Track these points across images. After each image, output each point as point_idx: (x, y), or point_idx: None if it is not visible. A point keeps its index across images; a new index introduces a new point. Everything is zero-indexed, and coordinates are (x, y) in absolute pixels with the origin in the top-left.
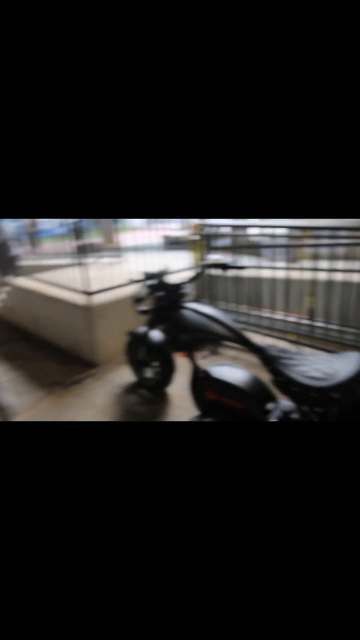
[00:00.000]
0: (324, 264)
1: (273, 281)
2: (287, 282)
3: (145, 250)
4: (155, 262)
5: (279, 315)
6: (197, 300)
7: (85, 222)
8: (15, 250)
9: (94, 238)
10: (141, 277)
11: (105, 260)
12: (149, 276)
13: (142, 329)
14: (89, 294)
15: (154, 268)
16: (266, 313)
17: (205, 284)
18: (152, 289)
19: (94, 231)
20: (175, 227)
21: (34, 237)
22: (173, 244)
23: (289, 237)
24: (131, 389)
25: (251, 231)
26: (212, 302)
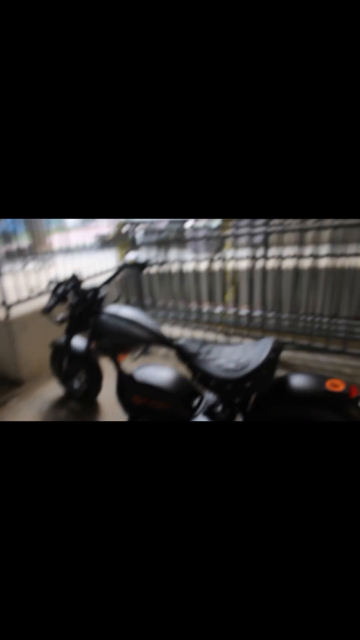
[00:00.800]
0: (244, 252)
1: (197, 274)
2: (211, 273)
3: (78, 251)
4: (86, 264)
5: (205, 307)
6: (118, 301)
7: (13, 225)
8: None
9: (22, 241)
10: (49, 285)
11: (32, 266)
12: (56, 284)
13: (63, 338)
14: (7, 306)
15: (85, 269)
16: (193, 306)
17: (131, 282)
18: (60, 297)
19: (22, 234)
20: (108, 226)
21: None
22: (105, 243)
23: (211, 228)
24: (60, 403)
25: (176, 225)
26: (139, 300)
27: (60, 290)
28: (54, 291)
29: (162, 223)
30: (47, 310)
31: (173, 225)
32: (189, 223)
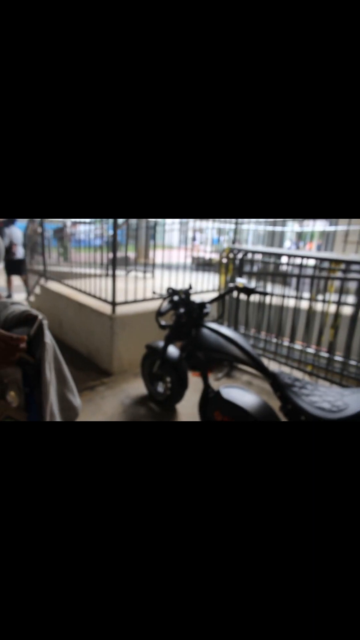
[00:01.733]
0: (350, 298)
1: (296, 310)
2: (310, 312)
3: (176, 268)
4: (184, 280)
5: (298, 345)
6: (218, 320)
7: (122, 237)
8: (20, 254)
9: (128, 252)
10: (165, 292)
11: (136, 274)
12: (172, 292)
13: (160, 343)
14: (114, 304)
15: (180, 286)
16: (286, 342)
17: (230, 306)
18: (174, 305)
19: (129, 245)
20: (208, 249)
21: (66, 246)
22: (204, 265)
23: (319, 268)
24: (141, 401)
25: (281, 259)
26: (233, 325)
27: (175, 299)
28: (170, 298)
29: (258, 255)
30: (162, 313)
31: (276, 259)
32: (296, 260)
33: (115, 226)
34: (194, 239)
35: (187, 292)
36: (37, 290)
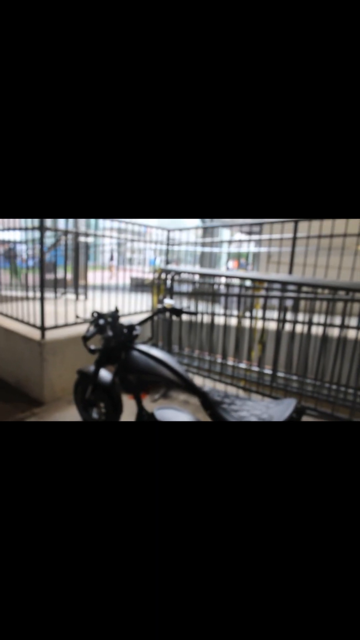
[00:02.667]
0: (274, 314)
1: (227, 328)
2: (239, 329)
3: (112, 289)
4: (118, 301)
5: (230, 362)
6: (149, 342)
7: (57, 257)
8: None
9: (63, 273)
10: (91, 316)
11: (69, 296)
12: (98, 316)
13: (91, 368)
14: (43, 328)
15: (111, 307)
16: (218, 359)
17: (163, 327)
18: (100, 328)
19: (64, 266)
20: (144, 270)
21: None
22: (139, 285)
23: (245, 287)
24: None
25: (211, 279)
26: (167, 345)
27: (101, 322)
28: (96, 322)
29: (196, 275)
30: (86, 339)
31: (207, 278)
32: (223, 280)
33: (42, 246)
34: (111, 258)
35: (114, 315)
36: None
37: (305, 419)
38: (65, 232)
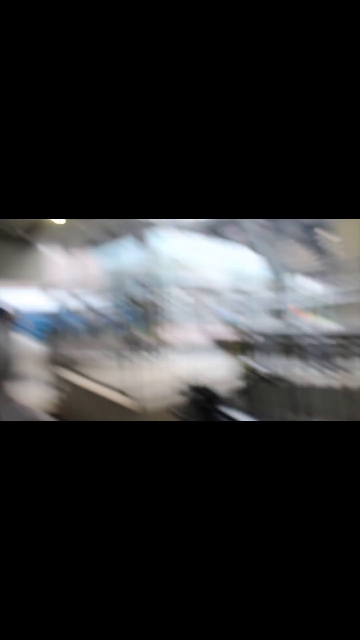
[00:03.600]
0: None
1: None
2: (330, 387)
3: (191, 350)
4: (200, 364)
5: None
6: (239, 407)
7: (130, 317)
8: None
9: (137, 334)
10: (184, 386)
11: (148, 358)
12: (192, 387)
13: None
14: (132, 396)
15: (194, 374)
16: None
17: (251, 389)
18: (192, 399)
19: (137, 327)
20: (221, 327)
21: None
22: (218, 344)
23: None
24: None
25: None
26: (256, 409)
27: (192, 393)
28: (191, 396)
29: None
30: (181, 411)
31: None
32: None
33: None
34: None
35: (204, 384)
36: (62, 383)
37: None
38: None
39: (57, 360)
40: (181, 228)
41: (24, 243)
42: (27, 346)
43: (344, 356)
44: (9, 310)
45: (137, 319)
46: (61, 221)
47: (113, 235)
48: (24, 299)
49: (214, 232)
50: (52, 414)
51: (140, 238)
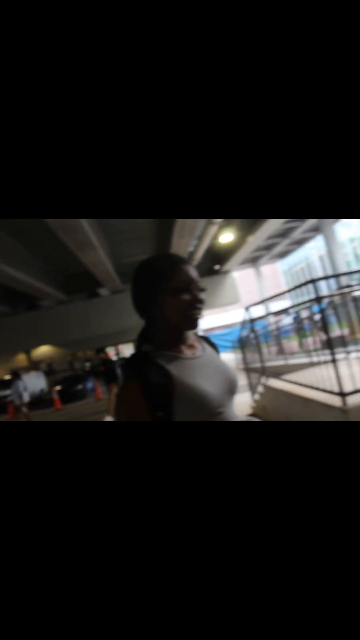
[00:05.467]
0: None
1: None
2: None
3: None
4: None
5: None
6: None
7: (328, 316)
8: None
9: (338, 330)
10: None
11: (355, 354)
12: None
13: None
14: (342, 394)
15: None
16: None
17: None
18: None
19: (337, 323)
20: None
21: (278, 338)
22: None
23: None
24: None
25: None
26: None
27: None
28: None
29: None
30: None
31: None
32: None
33: (322, 309)
34: None
35: None
36: (260, 389)
37: None
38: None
39: (254, 368)
40: None
41: (221, 275)
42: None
43: None
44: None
45: (333, 316)
46: (250, 246)
47: (298, 242)
48: (223, 319)
49: None
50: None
51: (327, 236)
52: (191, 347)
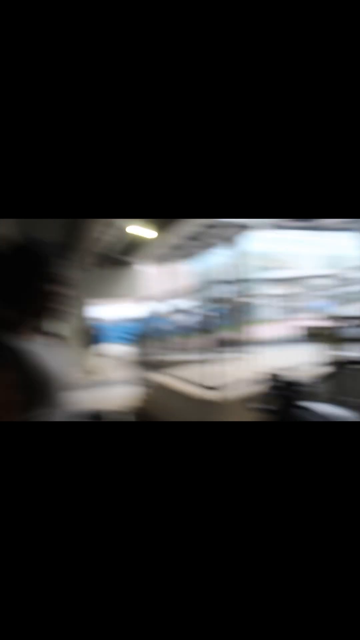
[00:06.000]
0: None
1: None
2: None
3: (278, 343)
4: (287, 356)
5: None
6: (326, 399)
7: (216, 318)
8: None
9: (224, 332)
10: (265, 376)
11: (234, 354)
12: (273, 377)
13: None
14: (211, 389)
15: (280, 365)
16: None
17: (341, 380)
18: (273, 389)
19: (224, 326)
20: (310, 318)
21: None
22: (308, 336)
23: None
24: None
25: None
26: (347, 400)
27: (273, 383)
28: (268, 382)
29: None
30: (257, 400)
31: None
32: None
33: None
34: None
35: (285, 373)
36: (147, 382)
37: None
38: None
39: (144, 362)
40: (273, 224)
41: (121, 264)
42: (115, 352)
43: None
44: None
45: (225, 319)
46: (153, 237)
47: (205, 245)
48: (118, 311)
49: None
50: (137, 413)
51: (229, 240)
52: (45, 334)
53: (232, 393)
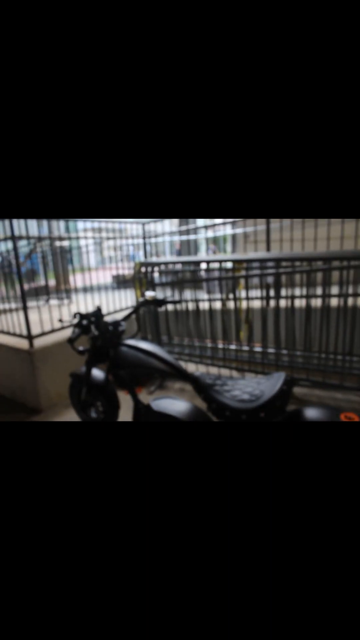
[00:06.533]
0: (257, 293)
1: (212, 312)
2: (225, 312)
3: (96, 290)
4: (103, 300)
5: (220, 345)
6: (136, 335)
7: (37, 264)
8: None
9: (44, 280)
10: (73, 318)
11: (54, 302)
12: (81, 317)
13: (82, 369)
14: (30, 337)
15: (97, 307)
16: (208, 343)
17: (148, 320)
18: (84, 329)
19: (44, 273)
20: (125, 266)
21: None
22: (122, 282)
23: (226, 270)
24: None
25: (192, 266)
26: (155, 337)
27: (84, 323)
28: (79, 323)
29: (178, 265)
30: (71, 341)
31: (188, 266)
32: (204, 265)
33: (17, 255)
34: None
35: (96, 314)
36: None
37: (298, 388)
38: (39, 239)
39: None
40: None
41: None
42: None
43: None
44: None
45: (42, 266)
46: None
47: None
48: None
49: None
50: None
51: None
52: None
53: (52, 339)
